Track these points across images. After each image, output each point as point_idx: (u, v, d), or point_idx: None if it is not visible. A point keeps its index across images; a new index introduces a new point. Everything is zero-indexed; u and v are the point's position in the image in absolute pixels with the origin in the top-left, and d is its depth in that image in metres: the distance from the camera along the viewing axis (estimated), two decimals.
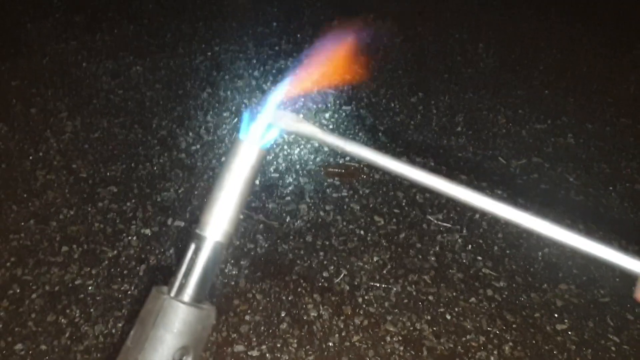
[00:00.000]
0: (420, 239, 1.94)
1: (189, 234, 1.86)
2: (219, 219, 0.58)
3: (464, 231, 1.96)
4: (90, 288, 1.72)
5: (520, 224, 0.53)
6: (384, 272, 1.82)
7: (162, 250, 1.83)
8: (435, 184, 0.54)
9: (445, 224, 1.98)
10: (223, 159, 2.17)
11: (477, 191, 0.54)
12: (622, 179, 2.24)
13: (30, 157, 2.12)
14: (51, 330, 1.61)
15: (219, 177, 0.58)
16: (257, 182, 1.97)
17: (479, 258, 1.88)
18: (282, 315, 1.67)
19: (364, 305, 1.71)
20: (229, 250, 1.78)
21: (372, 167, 2.14)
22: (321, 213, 2.00)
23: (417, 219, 2.00)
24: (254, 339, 1.60)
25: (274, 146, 2.14)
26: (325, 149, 2.22)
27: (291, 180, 2.11)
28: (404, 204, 2.05)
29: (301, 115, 0.59)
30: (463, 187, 0.54)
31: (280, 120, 0.58)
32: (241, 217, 0.59)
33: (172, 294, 0.57)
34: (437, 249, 1.91)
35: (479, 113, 2.51)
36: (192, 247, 0.58)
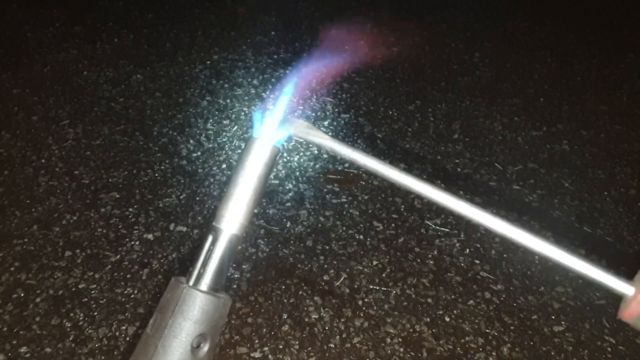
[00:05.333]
0: (418, 243, 1.96)
1: (192, 236, 1.88)
2: (235, 213, 0.61)
3: (462, 235, 1.99)
4: (93, 292, 1.74)
5: (510, 238, 0.56)
6: (384, 275, 1.85)
7: (165, 254, 1.85)
8: (439, 198, 0.57)
9: (443, 229, 2.01)
10: (228, 163, 2.20)
11: (474, 205, 0.56)
12: (617, 184, 2.27)
13: (33, 164, 2.14)
14: (55, 333, 1.63)
15: (234, 174, 0.61)
16: None
17: (477, 262, 1.91)
18: (284, 317, 1.69)
19: (364, 308, 1.74)
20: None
21: (372, 174, 2.17)
22: (321, 218, 2.03)
23: (415, 224, 2.03)
24: (256, 341, 1.62)
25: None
26: (325, 156, 2.25)
27: (291, 186, 2.14)
28: (402, 209, 2.08)
29: (311, 122, 0.62)
30: (466, 202, 0.57)
31: (290, 126, 0.61)
32: (255, 210, 0.62)
33: (191, 283, 0.59)
34: (436, 253, 1.93)
35: (475, 120, 2.55)
36: (210, 238, 0.61)
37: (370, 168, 0.58)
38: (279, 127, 0.61)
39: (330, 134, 2.38)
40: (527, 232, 0.56)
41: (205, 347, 0.59)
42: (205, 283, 0.60)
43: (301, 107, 2.45)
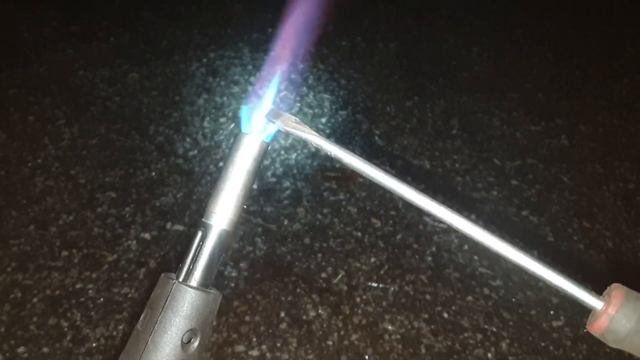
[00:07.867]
0: (416, 239, 1.96)
1: (189, 235, 1.88)
2: (224, 208, 0.60)
3: None
4: (90, 292, 1.73)
5: (494, 249, 0.56)
6: (382, 272, 1.84)
7: (162, 253, 1.85)
8: (421, 203, 0.57)
9: (441, 225, 2.00)
10: (225, 153, 2.19)
11: (458, 214, 0.56)
12: (615, 178, 2.26)
13: (29, 164, 2.14)
14: (53, 333, 1.62)
15: (223, 169, 0.61)
16: (255, 186, 1.99)
17: (475, 257, 1.90)
18: (282, 315, 1.69)
19: (362, 305, 1.73)
20: (228, 253, 1.80)
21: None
22: (318, 216, 2.02)
23: (413, 221, 2.02)
24: (254, 339, 1.62)
25: (273, 145, 2.16)
26: (322, 153, 2.24)
27: (288, 184, 2.13)
28: (400, 205, 2.07)
29: (308, 119, 0.62)
30: (447, 209, 0.56)
31: (277, 119, 0.60)
32: (245, 207, 0.61)
33: (180, 279, 0.59)
34: (434, 249, 1.93)
35: (473, 116, 2.54)
36: (199, 234, 0.60)
37: (356, 168, 0.58)
38: (266, 120, 0.61)
39: (327, 130, 2.39)
40: (510, 245, 0.56)
41: (196, 343, 0.59)
42: (194, 279, 0.59)
43: (298, 104, 2.44)
